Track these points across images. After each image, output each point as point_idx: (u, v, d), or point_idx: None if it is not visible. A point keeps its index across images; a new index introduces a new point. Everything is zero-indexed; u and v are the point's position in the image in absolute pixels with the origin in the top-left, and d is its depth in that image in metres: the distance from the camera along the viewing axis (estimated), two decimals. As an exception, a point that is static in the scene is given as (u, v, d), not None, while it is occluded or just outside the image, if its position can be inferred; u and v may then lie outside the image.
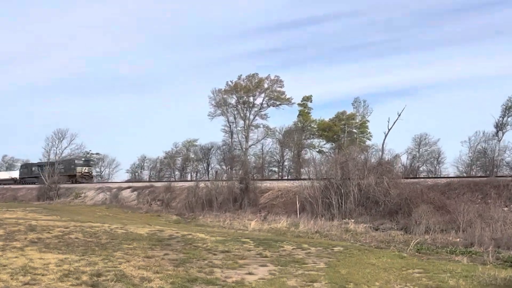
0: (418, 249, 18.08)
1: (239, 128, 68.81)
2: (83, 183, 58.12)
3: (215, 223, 28.69)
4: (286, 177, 60.91)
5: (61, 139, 60.29)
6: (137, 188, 46.33)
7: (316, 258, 14.51)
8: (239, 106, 67.98)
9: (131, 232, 18.77)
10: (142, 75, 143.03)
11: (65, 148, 60.66)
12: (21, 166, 76.61)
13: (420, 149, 59.17)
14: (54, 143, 60.33)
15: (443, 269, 13.10)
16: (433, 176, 46.57)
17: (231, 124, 68.81)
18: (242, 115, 68.08)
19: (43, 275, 10.66)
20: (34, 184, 61.51)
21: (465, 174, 47.08)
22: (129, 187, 47.77)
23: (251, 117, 68.19)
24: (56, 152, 60.36)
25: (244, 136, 68.07)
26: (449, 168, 56.66)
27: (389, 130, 49.35)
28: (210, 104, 68.71)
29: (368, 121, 65.34)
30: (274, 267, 12.88)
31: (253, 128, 68.43)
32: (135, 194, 44.91)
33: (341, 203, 27.33)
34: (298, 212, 28.62)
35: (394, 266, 13.39)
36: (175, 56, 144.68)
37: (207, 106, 71.46)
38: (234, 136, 69.02)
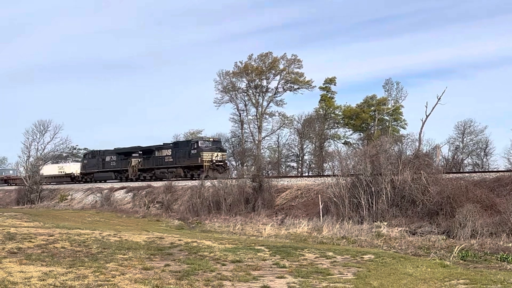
0: (463, 256, 18.09)
1: (251, 117, 68.96)
2: (214, 179, 39.59)
3: (224, 228, 28.78)
4: (306, 174, 60.85)
5: (43, 132, 60.39)
6: (132, 188, 46.60)
7: (343, 268, 14.50)
8: (250, 91, 67.94)
9: (126, 240, 18.89)
10: (135, 57, 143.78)
11: (48, 143, 60.67)
12: (84, 155, 65.00)
13: (464, 139, 58.55)
14: (35, 137, 60.39)
15: (493, 280, 13.00)
16: (480, 170, 46.17)
17: (241, 112, 68.93)
18: (254, 101, 68.07)
19: (24, 291, 10.77)
20: (105, 181, 56.13)
21: (518, 168, 46.61)
22: (123, 188, 48.06)
23: (265, 103, 68.22)
24: (38, 148, 60.56)
25: (256, 126, 68.09)
26: (499, 161, 56.02)
27: (427, 116, 49.07)
28: (216, 89, 68.89)
29: (402, 106, 65.12)
30: (294, 279, 12.88)
31: (267, 116, 68.48)
32: (130, 195, 45.18)
33: (372, 203, 27.24)
34: (321, 215, 28.60)
35: (435, 277, 13.33)
36: (173, 33, 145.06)
37: (212, 92, 71.59)
38: (245, 126, 69.11)
